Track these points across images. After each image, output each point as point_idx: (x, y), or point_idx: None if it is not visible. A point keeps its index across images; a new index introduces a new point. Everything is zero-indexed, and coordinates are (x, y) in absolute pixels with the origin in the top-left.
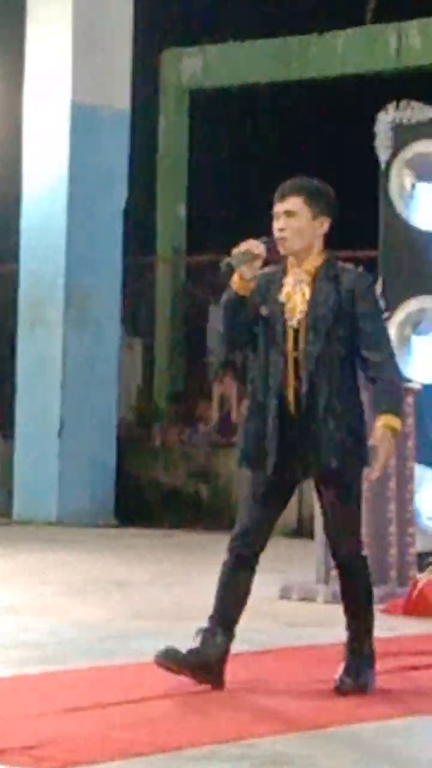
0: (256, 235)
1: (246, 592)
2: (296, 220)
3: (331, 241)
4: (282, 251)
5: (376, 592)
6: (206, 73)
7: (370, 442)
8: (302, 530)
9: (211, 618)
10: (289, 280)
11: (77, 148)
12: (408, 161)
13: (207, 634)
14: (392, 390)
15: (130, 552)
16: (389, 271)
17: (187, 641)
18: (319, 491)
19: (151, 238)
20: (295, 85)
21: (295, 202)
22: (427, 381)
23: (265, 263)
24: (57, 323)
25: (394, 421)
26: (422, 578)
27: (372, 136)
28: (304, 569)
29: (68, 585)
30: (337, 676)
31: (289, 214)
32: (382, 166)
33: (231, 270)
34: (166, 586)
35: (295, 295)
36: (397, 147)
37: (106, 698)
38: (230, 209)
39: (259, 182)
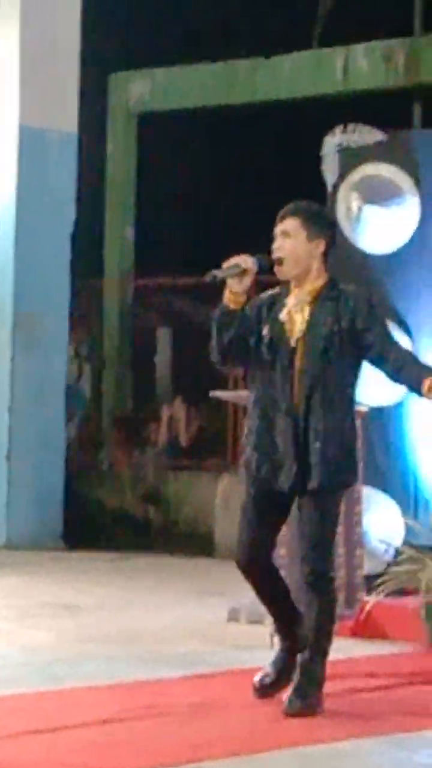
0: (203, 258)
1: (281, 593)
2: (291, 241)
3: None
4: (279, 276)
5: None
6: (154, 96)
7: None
8: None
9: (276, 628)
10: (290, 301)
11: (25, 171)
12: (355, 184)
13: (305, 666)
14: (421, 363)
15: (79, 575)
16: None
17: (135, 665)
18: (299, 506)
19: (99, 260)
20: (242, 109)
21: (291, 224)
22: (374, 404)
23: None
24: (5, 346)
25: None
26: (370, 600)
27: (319, 159)
28: (252, 592)
29: (17, 609)
30: (285, 696)
31: (285, 234)
32: (329, 189)
33: (223, 284)
34: (116, 610)
35: (296, 315)
36: (344, 170)
37: (54, 723)
38: (179, 232)
39: (207, 205)
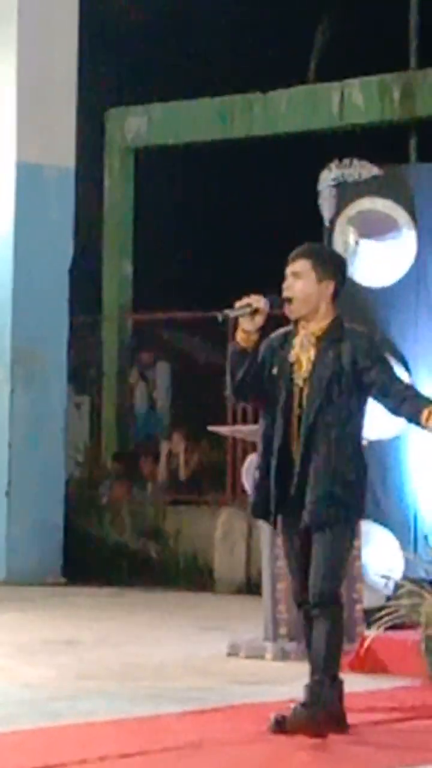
0: (200, 292)
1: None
2: (302, 282)
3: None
4: (289, 315)
5: None
6: (151, 131)
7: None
8: (250, 587)
9: (311, 671)
10: (297, 341)
11: (23, 207)
12: (351, 219)
13: (312, 687)
14: (421, 395)
15: (79, 611)
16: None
17: (135, 701)
18: (313, 535)
19: (97, 296)
20: (239, 144)
21: (302, 265)
22: (373, 437)
23: (275, 321)
24: (4, 381)
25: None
26: (370, 634)
27: (316, 194)
28: (252, 626)
29: (16, 645)
30: (293, 705)
31: (295, 275)
32: (326, 223)
33: (235, 323)
34: (115, 646)
35: (302, 355)
36: (340, 205)
37: (53, 759)
38: (176, 266)
39: (204, 240)
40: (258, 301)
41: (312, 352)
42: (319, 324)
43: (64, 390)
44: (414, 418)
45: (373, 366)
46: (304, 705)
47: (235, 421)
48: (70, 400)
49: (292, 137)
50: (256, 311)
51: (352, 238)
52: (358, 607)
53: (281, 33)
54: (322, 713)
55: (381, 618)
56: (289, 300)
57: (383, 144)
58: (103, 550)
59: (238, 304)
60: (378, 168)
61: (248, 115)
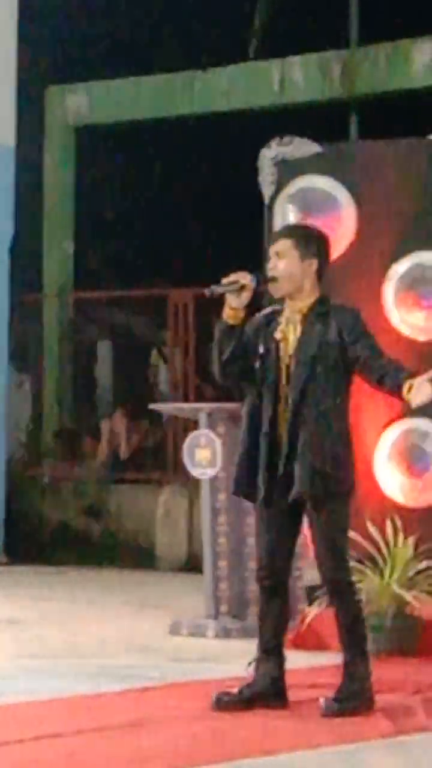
0: (142, 270)
1: (281, 619)
2: (284, 261)
3: (216, 276)
4: (274, 294)
5: None
6: (91, 109)
7: (420, 380)
8: (192, 565)
9: (258, 648)
10: (283, 319)
11: None
12: (291, 196)
13: (257, 663)
14: (403, 368)
15: (20, 590)
16: (273, 305)
17: (76, 679)
18: (308, 516)
19: (38, 275)
20: (180, 121)
21: (284, 244)
22: None
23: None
24: None
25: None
26: (311, 612)
27: (256, 171)
28: (193, 604)
29: None
30: (323, 700)
31: (278, 255)
32: (266, 201)
33: (222, 299)
34: (56, 624)
35: (289, 333)
36: (281, 182)
37: None
38: (118, 245)
39: (146, 218)
40: (245, 277)
41: (298, 329)
42: (304, 301)
43: (5, 369)
44: (396, 392)
45: (358, 341)
46: (338, 693)
47: (176, 399)
48: (12, 379)
49: (233, 115)
50: (242, 288)
51: (292, 216)
52: (299, 584)
53: (221, 10)
54: (358, 697)
55: (322, 595)
56: (273, 279)
57: (323, 121)
58: (45, 529)
59: (224, 280)
60: (318, 145)
61: (189, 92)
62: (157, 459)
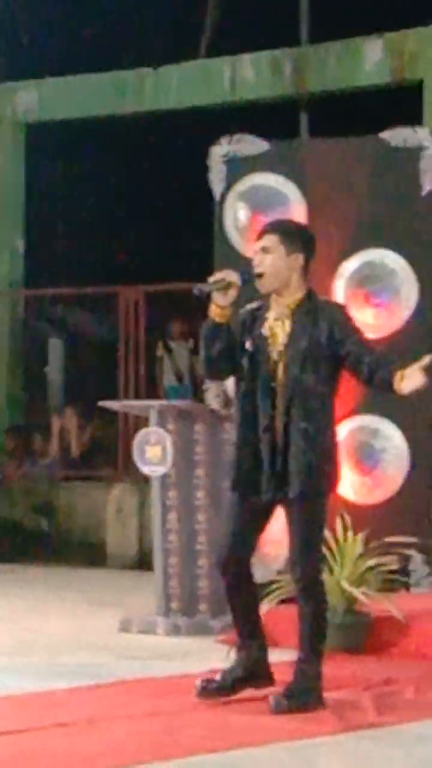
0: (94, 268)
1: (251, 602)
2: (271, 256)
3: (167, 273)
4: (261, 290)
5: (215, 624)
6: (42, 106)
7: (411, 369)
8: (143, 563)
9: (237, 635)
10: (271, 315)
11: None
12: (241, 194)
13: (237, 649)
14: (392, 362)
15: None
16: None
17: (26, 677)
18: (287, 512)
19: None
20: (130, 119)
21: (270, 239)
22: None
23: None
24: None
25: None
26: (261, 608)
27: (206, 169)
28: (144, 602)
29: None
30: (272, 697)
31: (264, 250)
32: (217, 198)
33: (208, 298)
34: (6, 621)
35: (277, 329)
36: (231, 180)
37: None
38: (69, 242)
39: (97, 215)
40: (231, 275)
41: (287, 325)
42: (292, 297)
43: None
44: (387, 384)
45: (349, 337)
46: (287, 690)
47: (127, 397)
48: None
49: (184, 112)
50: (229, 285)
51: (242, 213)
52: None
53: (172, 8)
54: (308, 696)
55: (271, 592)
56: (260, 275)
57: (274, 119)
58: None
59: (211, 279)
60: (269, 143)
61: (140, 90)
62: (108, 457)
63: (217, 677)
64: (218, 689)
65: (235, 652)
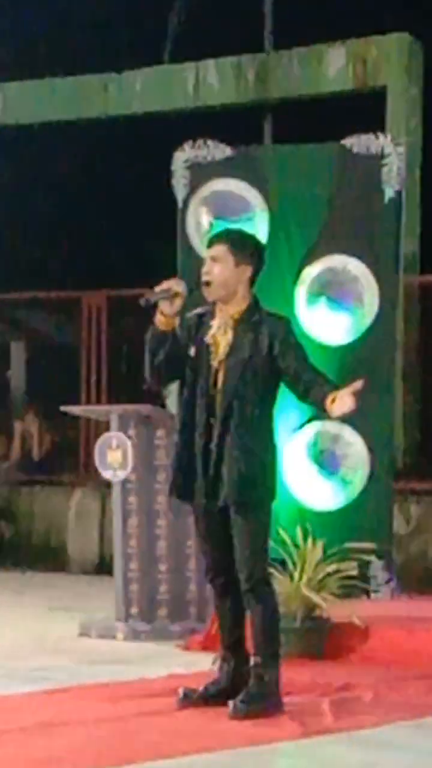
0: (55, 271)
1: (238, 615)
2: (219, 266)
3: (130, 278)
4: (207, 297)
5: (175, 628)
6: (5, 110)
7: (342, 393)
8: (103, 567)
9: (221, 646)
10: (215, 323)
11: None
12: (204, 199)
13: (221, 660)
14: (329, 382)
15: None
16: (186, 307)
17: None
18: (232, 520)
19: None
20: (94, 123)
21: (219, 250)
22: None
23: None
24: None
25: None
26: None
27: (170, 174)
28: (104, 606)
29: None
30: (231, 702)
31: (213, 259)
32: (179, 204)
33: (155, 306)
34: None
35: (220, 338)
36: (194, 185)
37: None
38: (31, 247)
39: (59, 220)
40: (178, 284)
41: (230, 335)
42: (236, 307)
43: None
44: (319, 404)
45: (288, 352)
46: (246, 695)
47: (88, 401)
48: None
49: (147, 117)
50: (175, 295)
51: (204, 218)
52: (209, 587)
53: (136, 13)
54: (266, 700)
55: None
56: (208, 284)
57: (237, 125)
58: None
59: (157, 288)
60: (232, 149)
61: (103, 95)
62: (69, 461)
63: (200, 688)
64: (199, 699)
65: (219, 663)
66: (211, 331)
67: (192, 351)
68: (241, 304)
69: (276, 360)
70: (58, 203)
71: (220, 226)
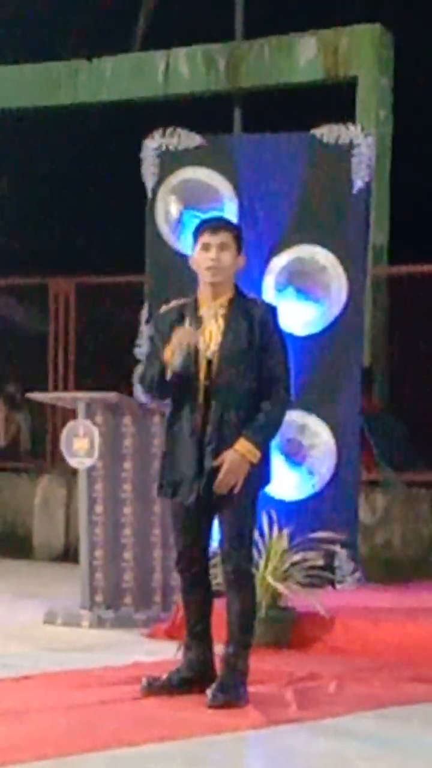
0: (23, 258)
1: (206, 605)
2: (227, 254)
3: (100, 265)
4: (211, 282)
5: (140, 617)
6: None
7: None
8: (68, 555)
9: (186, 634)
10: (203, 313)
11: None
12: (174, 188)
13: (185, 648)
14: (263, 423)
15: None
16: (155, 296)
17: None
18: (218, 507)
19: None
20: (64, 110)
21: (227, 237)
22: None
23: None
24: None
25: (248, 448)
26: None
27: (139, 162)
28: (69, 594)
29: None
30: (209, 691)
31: (222, 247)
32: (149, 192)
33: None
34: None
35: (210, 327)
36: (163, 173)
37: None
38: (0, 234)
39: (29, 207)
40: (195, 336)
41: (222, 323)
42: (225, 295)
43: None
44: (242, 427)
45: (272, 350)
46: (221, 684)
47: (56, 389)
48: None
49: (117, 105)
50: (190, 343)
51: (174, 207)
52: (175, 575)
53: (107, 0)
54: (239, 689)
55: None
56: (215, 271)
57: (207, 114)
58: None
59: (178, 346)
60: (201, 138)
61: (73, 82)
62: (35, 448)
63: (163, 676)
64: (163, 688)
65: (182, 652)
66: (202, 323)
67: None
68: (229, 292)
69: (259, 352)
70: (27, 190)
71: (189, 214)
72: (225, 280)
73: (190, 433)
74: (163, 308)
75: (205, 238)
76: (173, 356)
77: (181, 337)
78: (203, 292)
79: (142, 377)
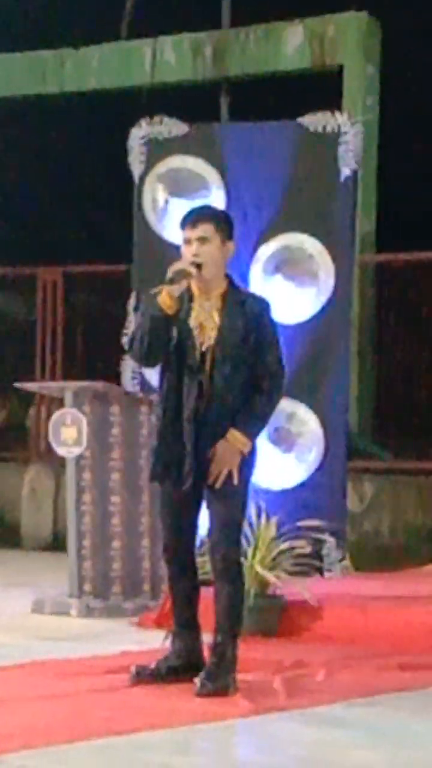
0: (11, 247)
1: (193, 594)
2: (209, 246)
3: (87, 254)
4: (199, 281)
5: (128, 605)
6: None
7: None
8: (57, 544)
9: (174, 623)
10: (197, 305)
11: None
12: (161, 176)
13: (173, 637)
14: (255, 415)
15: None
16: (142, 284)
17: None
18: (208, 495)
19: None
20: (51, 99)
21: (206, 229)
22: None
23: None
24: None
25: (240, 439)
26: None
27: (126, 151)
28: (57, 583)
29: None
30: (197, 680)
31: (202, 240)
32: (136, 180)
33: (171, 282)
34: None
35: (205, 321)
36: (150, 162)
37: None
38: None
39: (17, 195)
40: (189, 266)
41: (216, 317)
42: (218, 287)
43: None
44: (230, 422)
45: (267, 344)
46: (209, 673)
47: (43, 378)
48: None
49: (104, 94)
50: (187, 275)
51: (161, 195)
52: (163, 564)
53: None
54: (227, 678)
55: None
56: (200, 266)
57: (194, 102)
58: None
59: (171, 270)
60: (189, 126)
61: (60, 71)
62: (23, 437)
63: (152, 665)
64: (151, 676)
65: (171, 640)
66: (194, 314)
67: (174, 332)
68: (223, 284)
69: (253, 348)
70: (14, 179)
71: (177, 203)
72: (214, 274)
73: (185, 424)
74: (154, 289)
75: (187, 232)
76: (169, 294)
77: (175, 267)
78: (197, 285)
79: (131, 338)
